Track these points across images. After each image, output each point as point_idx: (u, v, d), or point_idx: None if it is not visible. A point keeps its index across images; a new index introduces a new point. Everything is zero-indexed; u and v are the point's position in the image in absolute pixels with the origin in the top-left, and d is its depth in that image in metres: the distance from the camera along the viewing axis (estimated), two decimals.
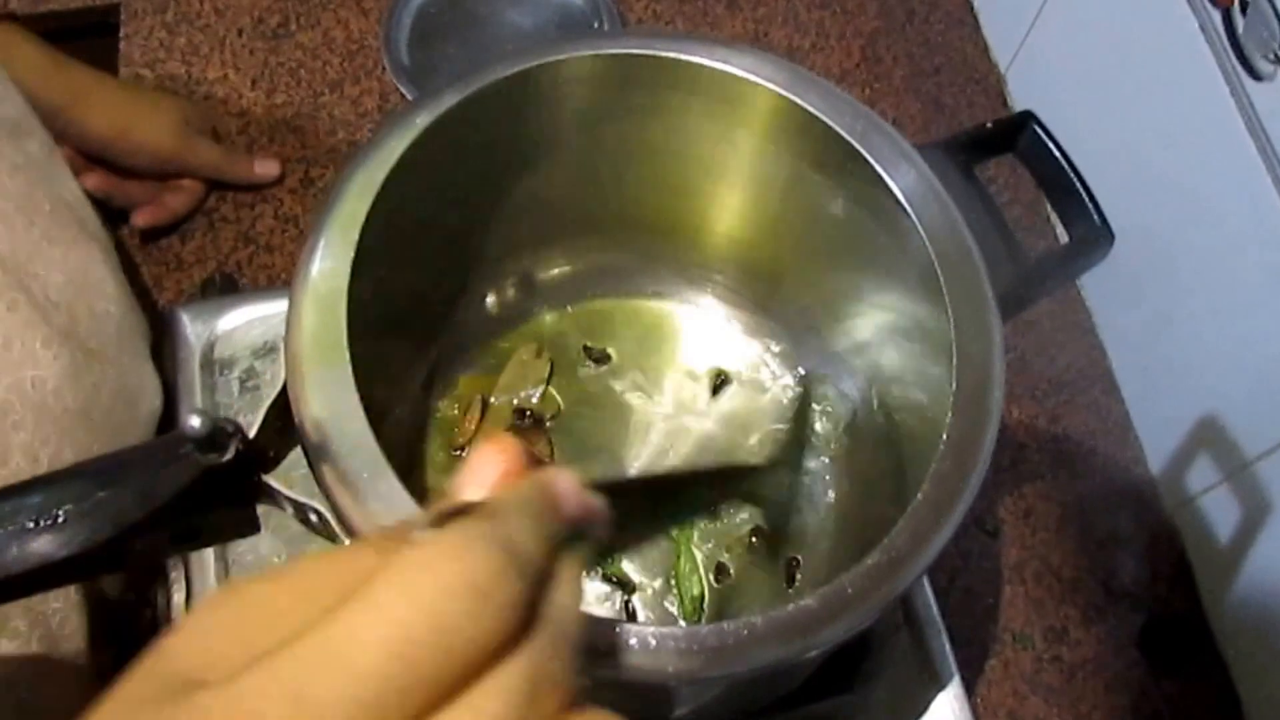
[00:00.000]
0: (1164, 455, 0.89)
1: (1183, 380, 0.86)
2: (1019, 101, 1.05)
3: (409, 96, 0.96)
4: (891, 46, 1.08)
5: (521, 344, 0.76)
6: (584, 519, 0.31)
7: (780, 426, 0.74)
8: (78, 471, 0.42)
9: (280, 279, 0.89)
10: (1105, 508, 0.89)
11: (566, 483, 0.30)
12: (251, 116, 0.96)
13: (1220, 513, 0.82)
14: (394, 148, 0.53)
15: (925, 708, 0.69)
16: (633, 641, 0.43)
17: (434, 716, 0.23)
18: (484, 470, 0.30)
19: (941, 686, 0.69)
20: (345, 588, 0.24)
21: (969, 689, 0.73)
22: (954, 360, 0.50)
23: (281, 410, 0.48)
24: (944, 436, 0.48)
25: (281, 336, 0.74)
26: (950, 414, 0.49)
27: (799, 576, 0.70)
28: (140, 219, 0.86)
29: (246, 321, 0.76)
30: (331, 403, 0.47)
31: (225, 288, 0.84)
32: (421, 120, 0.55)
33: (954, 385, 0.49)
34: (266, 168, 0.91)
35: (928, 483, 0.47)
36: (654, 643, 0.43)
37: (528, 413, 0.74)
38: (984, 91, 1.06)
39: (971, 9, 1.11)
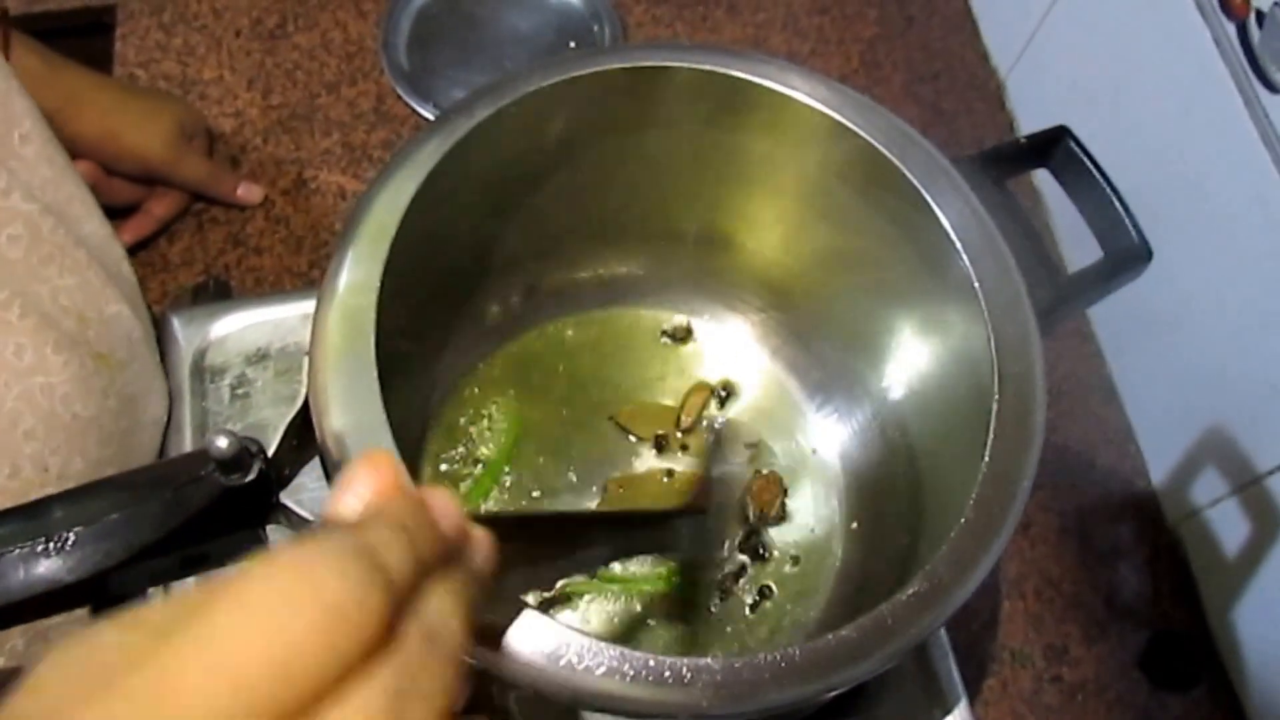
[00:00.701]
0: (1167, 467, 0.88)
1: (1187, 390, 0.85)
2: (1019, 108, 1.04)
3: (406, 99, 0.95)
4: (890, 52, 1.07)
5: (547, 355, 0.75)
6: (459, 541, 0.30)
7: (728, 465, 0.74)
8: (92, 490, 0.41)
9: (268, 282, 0.87)
10: (1106, 521, 0.88)
11: (443, 502, 0.29)
12: (246, 117, 0.95)
13: (1226, 527, 0.81)
14: (424, 160, 0.52)
15: None
16: (666, 674, 0.42)
17: None
18: (356, 487, 0.29)
19: (947, 710, 0.67)
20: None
21: None
22: (995, 382, 0.49)
23: (299, 428, 0.46)
24: (985, 460, 0.47)
25: (275, 343, 0.73)
26: (991, 437, 0.47)
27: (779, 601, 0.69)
28: (127, 234, 0.85)
29: (240, 328, 0.74)
30: (356, 418, 0.45)
31: (219, 293, 0.82)
32: (453, 133, 0.54)
33: (995, 408, 0.48)
34: (250, 192, 0.90)
35: (970, 509, 0.46)
36: (688, 675, 0.42)
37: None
38: (983, 98, 1.05)
39: (971, 15, 1.10)
